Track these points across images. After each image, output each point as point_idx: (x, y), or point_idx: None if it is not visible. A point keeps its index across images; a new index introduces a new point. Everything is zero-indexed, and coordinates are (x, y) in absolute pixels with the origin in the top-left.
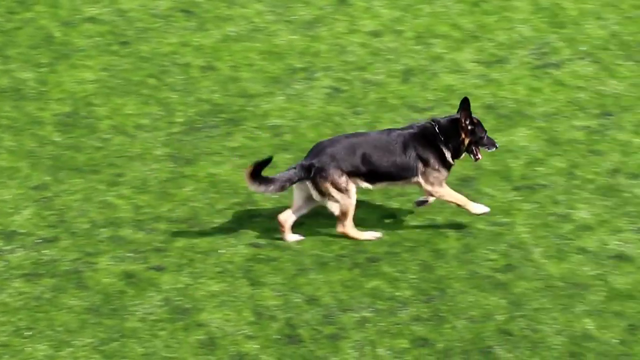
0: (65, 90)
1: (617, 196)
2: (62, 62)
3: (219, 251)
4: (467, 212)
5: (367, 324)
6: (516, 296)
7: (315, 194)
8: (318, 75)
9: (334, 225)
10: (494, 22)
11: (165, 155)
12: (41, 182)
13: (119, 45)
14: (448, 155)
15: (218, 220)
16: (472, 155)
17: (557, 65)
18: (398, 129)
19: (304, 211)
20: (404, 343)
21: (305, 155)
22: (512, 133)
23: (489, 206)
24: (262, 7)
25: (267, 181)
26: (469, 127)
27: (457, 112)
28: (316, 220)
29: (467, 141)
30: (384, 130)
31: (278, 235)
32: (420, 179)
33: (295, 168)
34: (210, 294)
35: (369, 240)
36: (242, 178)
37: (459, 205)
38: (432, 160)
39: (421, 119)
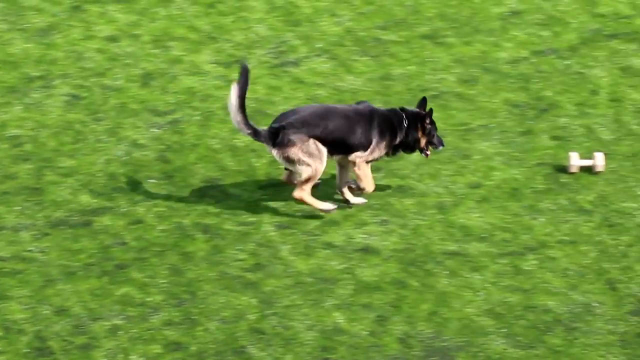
0: None
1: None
2: None
3: None
4: (363, 191)
5: (118, 332)
6: (267, 294)
7: (281, 160)
8: (56, 83)
9: (81, 235)
10: (230, 22)
11: None
12: None
13: None
14: (397, 141)
15: None
16: (422, 152)
17: (295, 64)
18: (365, 104)
19: None
20: (157, 348)
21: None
22: None
23: (235, 207)
24: None
25: (248, 123)
26: (429, 127)
27: (418, 107)
28: (63, 230)
29: (423, 140)
30: (355, 103)
31: (23, 247)
32: (361, 153)
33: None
34: None
35: (325, 210)
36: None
37: (359, 188)
38: (383, 142)
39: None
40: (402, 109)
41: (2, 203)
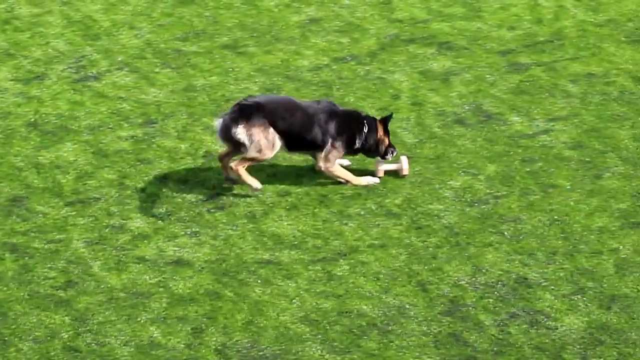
0: None
1: (169, 202)
2: None
3: None
4: (357, 186)
5: None
6: (80, 312)
7: (238, 137)
8: None
9: None
10: (27, 38)
11: None
12: None
13: None
14: (357, 144)
15: None
16: (383, 156)
17: (96, 78)
18: (326, 102)
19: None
20: None
21: None
22: (58, 149)
23: (42, 225)
24: None
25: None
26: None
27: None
28: None
29: (386, 142)
30: (316, 101)
31: None
32: (322, 154)
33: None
34: None
35: (253, 188)
36: None
37: (347, 182)
38: (340, 142)
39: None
40: (359, 112)
41: None
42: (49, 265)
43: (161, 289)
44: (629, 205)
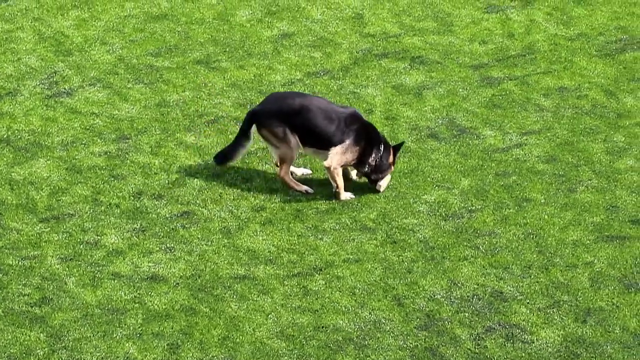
0: None
1: (143, 218)
2: None
3: None
4: (335, 196)
5: None
6: (55, 328)
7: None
8: None
9: None
10: None
11: None
12: None
13: None
14: (372, 159)
15: None
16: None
17: (69, 94)
18: (350, 110)
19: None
20: None
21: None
22: (32, 165)
23: (16, 241)
24: None
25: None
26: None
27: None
28: None
29: (391, 169)
30: (338, 105)
31: None
32: (334, 150)
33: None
34: None
35: (302, 192)
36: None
37: (337, 191)
38: (357, 147)
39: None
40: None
41: None
42: (23, 282)
43: (136, 305)
44: (602, 218)
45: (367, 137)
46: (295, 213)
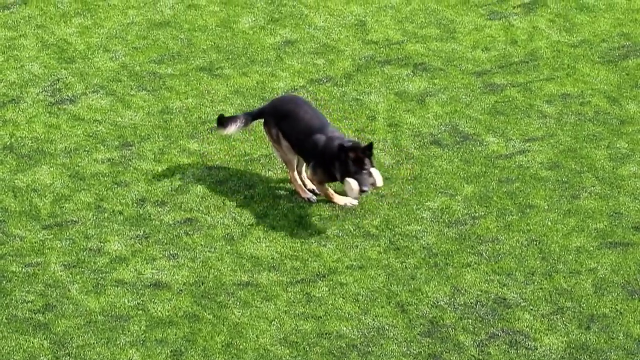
0: None
1: (147, 225)
2: None
3: None
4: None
5: None
6: (58, 335)
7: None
8: None
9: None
10: (2, 61)
11: None
12: None
13: None
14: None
15: None
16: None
17: (72, 101)
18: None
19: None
20: None
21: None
22: (35, 172)
23: (19, 248)
24: None
25: (232, 120)
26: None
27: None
28: None
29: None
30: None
31: None
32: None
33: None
34: None
35: (304, 199)
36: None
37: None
38: (319, 168)
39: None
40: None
41: None
42: (26, 289)
43: (140, 312)
44: (606, 225)
45: (329, 158)
46: (299, 220)
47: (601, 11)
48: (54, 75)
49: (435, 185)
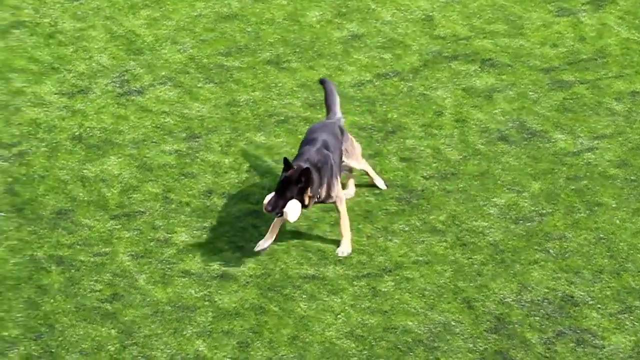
0: None
1: (213, 217)
2: None
3: None
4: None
5: None
6: (126, 325)
7: None
8: None
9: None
10: (71, 53)
11: None
12: None
13: None
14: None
15: None
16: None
17: (140, 92)
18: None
19: None
20: None
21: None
22: (103, 162)
23: (88, 237)
24: None
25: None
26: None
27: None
28: None
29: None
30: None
31: None
32: None
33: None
34: None
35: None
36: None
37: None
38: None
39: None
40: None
41: None
42: (95, 278)
43: (207, 303)
44: None
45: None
46: (365, 214)
47: None
48: (122, 66)
49: (503, 182)
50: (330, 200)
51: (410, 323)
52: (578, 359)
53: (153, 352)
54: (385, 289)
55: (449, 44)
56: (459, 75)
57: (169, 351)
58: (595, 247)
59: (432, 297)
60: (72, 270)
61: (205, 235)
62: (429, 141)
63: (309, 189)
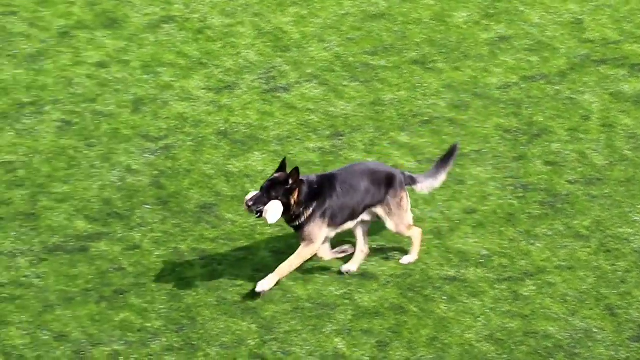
0: None
1: None
2: None
3: None
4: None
5: (119, 358)
6: (266, 320)
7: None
8: (47, 109)
9: (77, 260)
10: (219, 48)
11: None
12: None
13: None
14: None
15: None
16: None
17: (285, 89)
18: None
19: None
20: None
21: None
22: (247, 158)
23: (230, 232)
24: None
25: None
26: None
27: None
28: (59, 256)
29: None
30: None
31: (20, 273)
32: None
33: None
34: None
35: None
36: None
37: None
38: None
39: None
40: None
41: None
42: (236, 273)
43: (346, 301)
44: None
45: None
46: (508, 217)
47: None
48: (268, 63)
49: None
50: (301, 231)
51: (551, 328)
52: None
53: (292, 348)
54: (527, 293)
55: (597, 48)
56: (607, 80)
57: (308, 348)
58: None
59: (574, 303)
60: (214, 264)
61: (346, 234)
62: (574, 145)
63: (296, 192)
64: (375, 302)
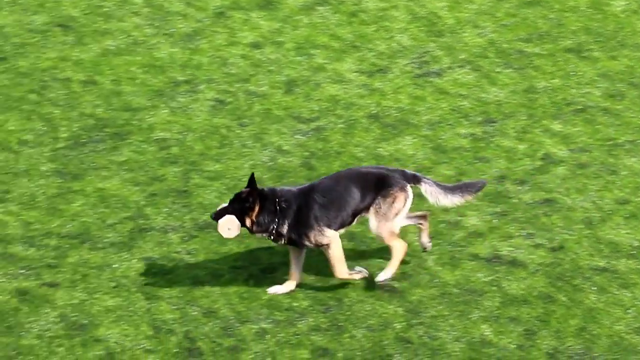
0: None
1: (505, 202)
2: None
3: (112, 266)
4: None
5: (266, 335)
6: (413, 304)
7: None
8: (201, 87)
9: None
10: (372, 32)
11: (51, 170)
12: None
13: None
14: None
15: (109, 235)
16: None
17: (438, 74)
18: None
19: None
20: (304, 353)
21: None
22: (398, 142)
23: None
24: (140, 20)
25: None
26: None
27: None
28: (210, 233)
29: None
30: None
31: (172, 249)
32: None
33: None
34: (106, 309)
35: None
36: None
37: None
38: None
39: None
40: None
41: (151, 204)
42: (384, 256)
43: (494, 288)
44: None
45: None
46: None
47: None
48: (422, 47)
49: None
50: (309, 244)
51: None
52: None
53: (438, 333)
54: None
55: None
56: None
57: (454, 333)
58: None
59: None
60: (362, 247)
61: (495, 220)
62: None
63: (253, 213)
64: (523, 290)
